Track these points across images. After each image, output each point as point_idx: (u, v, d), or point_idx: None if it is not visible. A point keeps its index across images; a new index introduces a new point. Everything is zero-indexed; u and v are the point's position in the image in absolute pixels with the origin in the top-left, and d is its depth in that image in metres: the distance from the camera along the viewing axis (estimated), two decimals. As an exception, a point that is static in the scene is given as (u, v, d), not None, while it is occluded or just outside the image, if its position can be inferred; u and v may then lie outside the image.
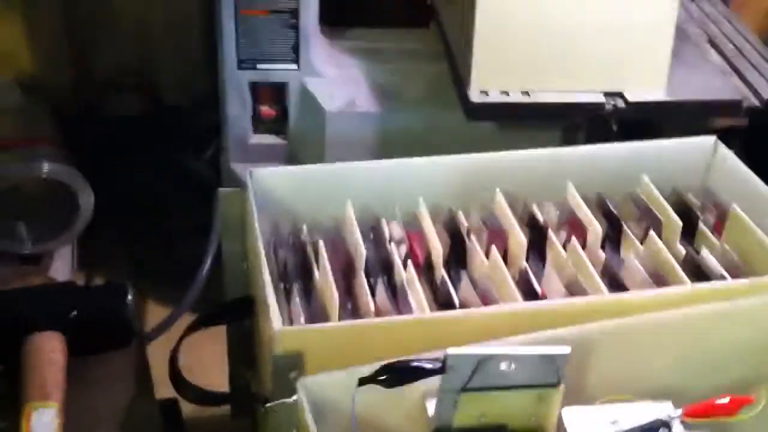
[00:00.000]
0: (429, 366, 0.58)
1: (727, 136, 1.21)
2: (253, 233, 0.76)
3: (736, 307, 0.70)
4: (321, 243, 0.78)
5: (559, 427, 0.63)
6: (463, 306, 0.75)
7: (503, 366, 0.59)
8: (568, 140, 1.05)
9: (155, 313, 1.24)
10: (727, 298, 0.71)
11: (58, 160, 1.19)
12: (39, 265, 1.21)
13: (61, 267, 1.23)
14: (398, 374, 0.58)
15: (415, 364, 0.59)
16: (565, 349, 0.59)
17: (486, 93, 0.90)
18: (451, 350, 0.58)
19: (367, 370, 0.60)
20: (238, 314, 0.85)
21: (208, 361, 1.23)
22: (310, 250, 0.81)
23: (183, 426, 1.03)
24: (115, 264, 1.32)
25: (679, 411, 0.62)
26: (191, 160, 1.31)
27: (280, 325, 0.66)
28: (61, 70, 1.42)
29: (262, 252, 0.72)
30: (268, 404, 0.62)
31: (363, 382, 0.58)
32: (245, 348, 0.88)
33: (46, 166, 1.16)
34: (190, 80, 1.46)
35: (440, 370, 0.58)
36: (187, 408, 1.00)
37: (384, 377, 0.58)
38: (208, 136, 1.29)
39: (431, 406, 0.62)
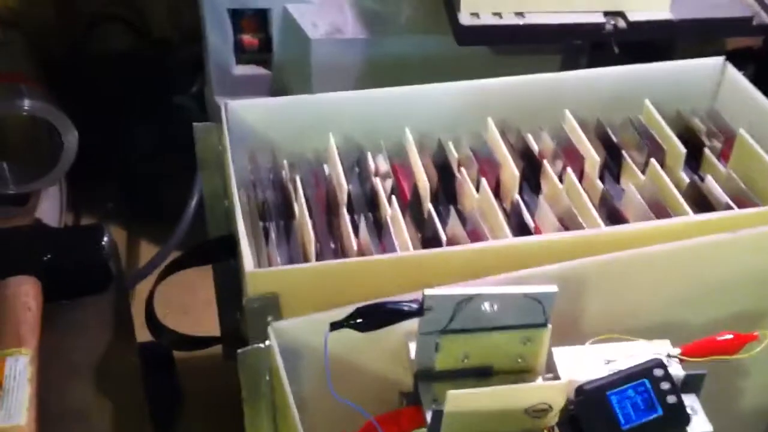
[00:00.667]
0: (405, 308, 0.55)
1: (741, 58, 1.16)
2: (228, 170, 0.72)
3: (740, 237, 0.66)
4: (298, 180, 0.74)
5: (549, 368, 0.59)
6: (450, 243, 0.71)
7: (485, 306, 0.55)
8: (569, 66, 0.99)
9: (147, 256, 1.22)
10: (731, 229, 0.67)
11: (40, 97, 1.14)
12: (26, 205, 1.18)
13: (50, 208, 1.20)
14: (372, 317, 0.54)
15: (391, 306, 0.55)
16: (552, 288, 0.55)
17: (477, 15, 0.85)
18: (429, 291, 0.54)
19: (341, 313, 0.56)
20: (220, 254, 0.81)
21: (204, 300, 1.21)
22: (290, 186, 0.77)
23: (172, 368, 1.01)
24: (105, 205, 1.29)
25: (678, 350, 0.58)
26: (178, 96, 1.26)
27: (252, 266, 0.62)
28: (43, 3, 1.36)
29: (236, 190, 0.69)
30: (240, 350, 0.59)
31: (335, 326, 0.54)
32: (232, 289, 0.85)
33: (26, 103, 1.11)
34: (180, 11, 1.40)
35: (418, 313, 0.55)
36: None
37: (358, 321, 0.54)
38: (195, 70, 1.24)
39: (413, 349, 0.58)
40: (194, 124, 0.80)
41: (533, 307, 0.56)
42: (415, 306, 0.55)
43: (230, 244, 0.79)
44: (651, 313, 0.69)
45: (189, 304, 1.23)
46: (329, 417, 0.59)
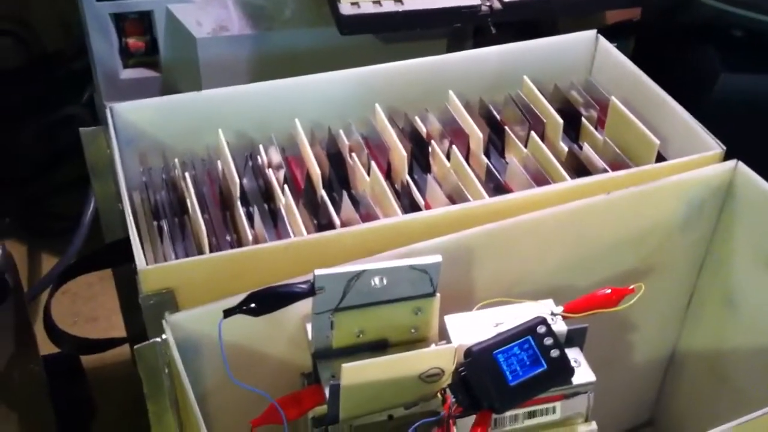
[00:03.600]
0: (297, 290, 0.56)
1: (623, 30, 1.21)
2: (117, 173, 0.72)
3: (614, 198, 0.69)
4: (188, 177, 0.75)
5: (442, 336, 0.61)
6: (345, 226, 0.73)
7: (375, 281, 0.57)
8: (455, 48, 1.01)
9: (49, 268, 1.20)
10: (605, 191, 0.70)
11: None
12: None
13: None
14: (265, 302, 0.56)
15: (283, 289, 0.56)
16: (437, 258, 0.58)
17: (357, 5, 0.86)
18: (318, 271, 0.56)
19: (235, 301, 0.57)
20: (117, 258, 0.81)
21: (111, 308, 1.19)
22: (183, 184, 0.77)
23: (82, 379, 1.00)
24: (1, 221, 1.27)
25: (560, 308, 0.62)
26: (70, 105, 1.24)
27: (143, 264, 0.62)
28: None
29: (125, 192, 0.69)
30: (137, 346, 0.59)
31: (228, 313, 0.55)
32: (134, 291, 0.85)
33: None
34: (70, 23, 1.37)
35: (309, 293, 0.56)
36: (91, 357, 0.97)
37: (251, 306, 0.56)
38: (86, 78, 1.23)
39: (310, 329, 0.60)
40: (80, 129, 0.79)
41: (421, 278, 0.58)
42: (306, 287, 0.56)
43: (127, 247, 0.79)
44: (539, 278, 0.72)
45: (97, 311, 1.22)
46: (235, 407, 0.61)
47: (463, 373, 0.55)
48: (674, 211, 0.74)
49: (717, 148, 0.74)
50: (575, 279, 0.72)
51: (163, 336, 0.59)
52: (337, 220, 0.73)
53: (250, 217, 0.74)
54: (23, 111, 1.32)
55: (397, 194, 0.77)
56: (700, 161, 0.73)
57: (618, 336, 0.82)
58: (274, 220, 0.75)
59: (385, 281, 0.57)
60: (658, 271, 0.77)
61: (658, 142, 0.75)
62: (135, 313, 0.87)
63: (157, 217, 0.76)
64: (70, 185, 1.17)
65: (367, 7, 0.87)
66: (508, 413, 0.59)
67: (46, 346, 0.84)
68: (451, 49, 1.03)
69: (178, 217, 0.76)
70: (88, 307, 1.19)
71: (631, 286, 0.62)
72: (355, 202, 0.76)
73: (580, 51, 0.90)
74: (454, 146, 0.79)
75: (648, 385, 0.91)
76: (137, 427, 0.75)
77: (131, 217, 0.66)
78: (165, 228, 0.73)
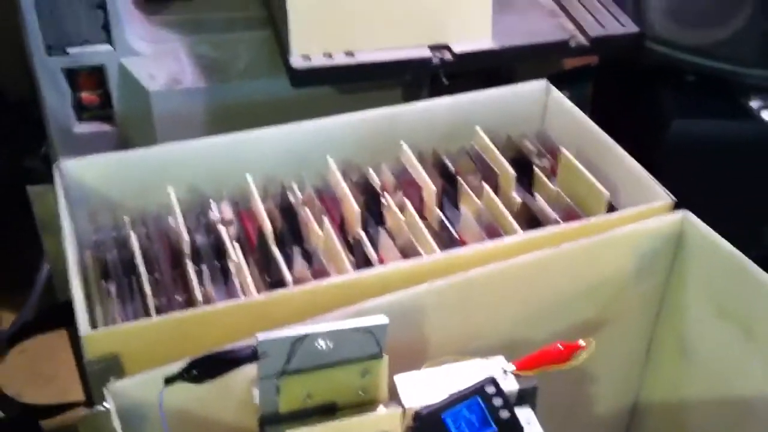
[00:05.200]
0: (239, 355, 0.55)
1: (581, 75, 1.22)
2: (62, 232, 0.71)
3: (564, 250, 0.69)
4: (136, 236, 0.74)
5: (393, 394, 0.60)
6: (297, 283, 0.72)
7: (320, 344, 0.56)
8: (410, 97, 1.02)
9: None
10: (557, 243, 0.70)
11: None
12: None
13: None
14: (207, 368, 0.54)
15: (224, 355, 0.55)
16: (382, 319, 0.57)
17: (308, 57, 0.87)
18: (261, 335, 0.55)
19: (177, 367, 0.56)
20: (69, 318, 0.79)
21: (71, 367, 1.17)
22: (132, 243, 0.76)
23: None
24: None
25: (512, 366, 0.61)
26: (28, 159, 1.23)
27: (87, 328, 0.61)
28: None
29: (70, 252, 0.68)
30: (82, 414, 0.57)
31: (169, 381, 0.54)
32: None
33: None
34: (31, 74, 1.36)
35: (252, 358, 0.55)
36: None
37: (192, 373, 0.54)
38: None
39: (257, 394, 0.59)
40: (27, 187, 0.78)
41: (367, 339, 0.57)
42: (249, 352, 0.55)
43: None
44: (493, 332, 0.71)
45: (55, 372, 1.19)
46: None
47: (411, 438, 0.54)
48: (626, 262, 0.74)
49: (667, 198, 0.75)
50: (530, 332, 0.71)
51: (105, 404, 0.57)
52: (289, 277, 0.72)
53: (200, 276, 0.73)
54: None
55: (350, 248, 0.77)
56: (650, 211, 0.74)
57: (577, 388, 0.81)
58: (225, 278, 0.74)
59: (330, 344, 0.56)
60: (614, 322, 0.77)
61: (608, 194, 0.75)
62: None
63: (106, 278, 0.75)
64: (29, 239, 1.15)
65: (319, 60, 0.87)
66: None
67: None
68: (406, 97, 1.03)
69: (128, 277, 0.74)
70: (45, 368, 1.16)
71: (582, 342, 0.62)
72: (308, 256, 0.75)
73: (532, 100, 0.91)
74: (406, 199, 0.79)
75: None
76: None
77: (76, 279, 0.65)
78: (113, 290, 0.72)
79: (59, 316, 0.82)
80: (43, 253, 1.10)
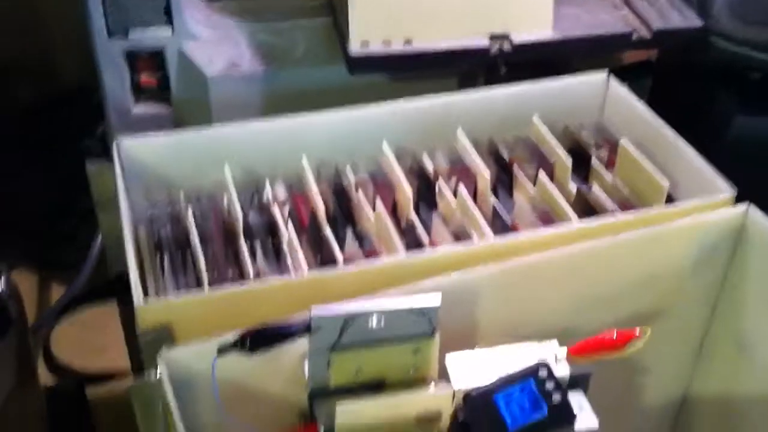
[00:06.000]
0: (293, 329, 0.55)
1: (641, 70, 1.20)
2: (120, 207, 0.72)
3: (621, 241, 0.68)
4: (193, 212, 0.74)
5: (443, 373, 0.60)
6: (347, 263, 0.72)
7: (373, 322, 0.56)
8: (466, 86, 1.01)
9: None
10: (613, 233, 0.69)
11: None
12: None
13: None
14: (260, 340, 0.55)
15: (278, 328, 0.55)
16: (435, 300, 0.56)
17: (367, 44, 0.86)
18: (315, 310, 0.55)
19: (230, 337, 0.56)
20: (119, 290, 0.80)
21: (120, 338, 1.18)
22: (187, 219, 0.77)
23: (85, 410, 0.99)
24: (13, 253, 1.27)
25: (564, 349, 0.60)
26: (85, 139, 1.25)
27: (140, 300, 0.62)
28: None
29: (127, 226, 0.68)
30: (131, 384, 0.58)
31: (222, 351, 0.54)
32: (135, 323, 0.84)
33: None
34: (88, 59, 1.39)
35: (305, 332, 0.55)
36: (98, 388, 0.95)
37: (245, 344, 0.55)
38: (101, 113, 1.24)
39: (308, 368, 0.59)
40: (87, 164, 0.79)
41: (419, 319, 0.57)
42: (302, 326, 0.55)
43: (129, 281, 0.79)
44: (544, 319, 0.70)
45: (104, 343, 1.21)
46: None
47: (462, 418, 0.54)
48: (685, 255, 0.72)
49: (729, 191, 0.73)
50: (582, 321, 0.70)
51: (158, 373, 0.58)
52: (340, 257, 0.72)
53: (253, 253, 0.74)
54: (37, 145, 1.33)
55: (402, 232, 0.76)
56: (712, 204, 0.72)
57: (627, 379, 0.80)
58: (277, 256, 0.74)
59: (383, 322, 0.56)
60: (669, 315, 0.75)
61: (667, 184, 0.74)
62: (137, 346, 0.87)
63: (160, 252, 0.76)
64: (85, 217, 1.17)
65: (376, 48, 0.87)
66: (508, 459, 0.57)
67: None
68: (462, 86, 1.02)
69: (181, 251, 0.75)
70: (96, 339, 1.18)
71: (638, 331, 0.61)
72: (360, 239, 0.75)
73: (590, 92, 0.90)
74: (461, 185, 0.78)
75: (658, 430, 0.89)
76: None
77: (132, 252, 0.66)
78: (166, 263, 0.72)
79: (110, 289, 0.83)
80: (94, 232, 1.13)
